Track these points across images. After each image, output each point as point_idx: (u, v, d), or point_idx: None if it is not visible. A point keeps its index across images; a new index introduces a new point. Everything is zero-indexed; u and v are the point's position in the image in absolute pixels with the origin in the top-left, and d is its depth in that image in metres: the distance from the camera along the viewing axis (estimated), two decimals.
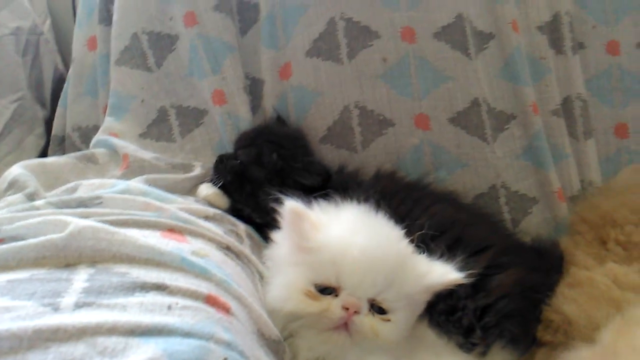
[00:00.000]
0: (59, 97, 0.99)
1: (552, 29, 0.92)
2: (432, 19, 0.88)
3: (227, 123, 0.85)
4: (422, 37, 0.88)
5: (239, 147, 0.77)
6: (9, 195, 0.63)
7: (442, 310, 0.66)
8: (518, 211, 0.87)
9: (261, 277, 0.60)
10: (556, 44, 0.92)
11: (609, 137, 0.92)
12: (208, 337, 0.40)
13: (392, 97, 0.86)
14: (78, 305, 0.39)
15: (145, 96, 0.89)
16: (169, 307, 0.42)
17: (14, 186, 0.64)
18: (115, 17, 0.92)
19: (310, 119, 0.86)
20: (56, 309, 0.38)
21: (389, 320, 0.56)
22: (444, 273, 0.58)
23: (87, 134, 0.92)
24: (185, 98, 0.89)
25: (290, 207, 0.57)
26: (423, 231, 0.64)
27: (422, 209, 0.71)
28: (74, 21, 1.02)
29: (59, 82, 1.05)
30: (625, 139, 0.92)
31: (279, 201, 0.59)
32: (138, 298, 0.41)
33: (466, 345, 0.65)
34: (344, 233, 0.57)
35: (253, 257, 0.62)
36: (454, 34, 0.88)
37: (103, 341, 0.36)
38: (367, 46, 0.87)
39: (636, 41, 0.94)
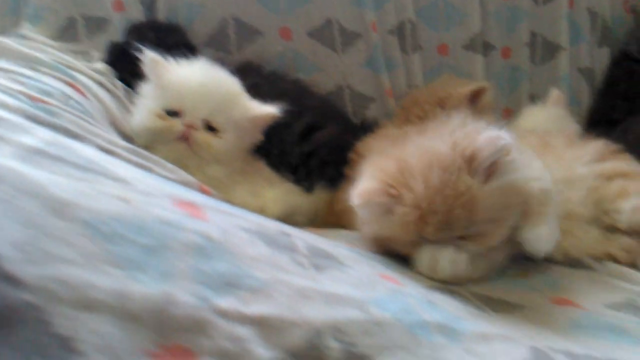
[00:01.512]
0: None
1: None
2: None
3: (124, 27, 1.04)
4: None
5: (128, 33, 0.97)
6: None
7: (275, 154, 0.88)
8: (359, 107, 1.11)
9: (125, 109, 0.80)
10: None
11: (433, 54, 1.18)
12: (67, 96, 0.60)
13: (261, 12, 1.07)
14: None
15: (58, 7, 1.07)
16: (42, 77, 0.61)
17: None
18: None
19: (195, 28, 1.05)
20: None
21: (220, 138, 0.77)
22: (265, 108, 0.80)
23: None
24: (92, 10, 1.07)
25: (149, 55, 0.77)
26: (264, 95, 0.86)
27: (269, 84, 0.93)
28: None
29: None
30: (446, 56, 1.18)
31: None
32: (23, 69, 0.62)
33: (294, 182, 0.87)
34: (188, 72, 0.77)
35: (121, 96, 0.82)
36: None
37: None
38: None
39: None
